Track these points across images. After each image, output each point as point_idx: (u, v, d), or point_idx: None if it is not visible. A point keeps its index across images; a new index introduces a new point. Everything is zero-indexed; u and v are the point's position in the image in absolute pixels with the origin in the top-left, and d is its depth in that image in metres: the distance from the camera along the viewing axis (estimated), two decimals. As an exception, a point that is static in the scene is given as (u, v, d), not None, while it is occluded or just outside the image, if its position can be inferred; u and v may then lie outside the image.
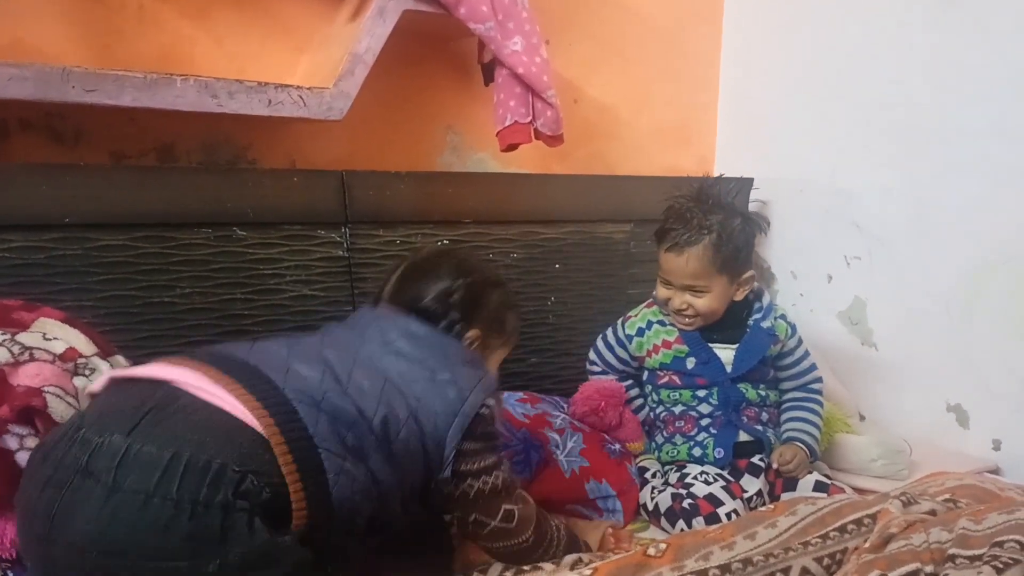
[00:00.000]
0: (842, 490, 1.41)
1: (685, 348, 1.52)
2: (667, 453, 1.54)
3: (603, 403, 1.52)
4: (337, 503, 0.88)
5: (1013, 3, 1.56)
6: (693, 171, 2.20)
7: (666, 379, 1.55)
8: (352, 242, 1.56)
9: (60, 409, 1.07)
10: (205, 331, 1.45)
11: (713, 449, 1.48)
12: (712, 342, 1.52)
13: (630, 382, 1.64)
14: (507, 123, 1.62)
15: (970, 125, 1.65)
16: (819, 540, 1.03)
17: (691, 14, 2.16)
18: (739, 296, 1.52)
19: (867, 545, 1.01)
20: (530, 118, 1.62)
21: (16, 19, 1.37)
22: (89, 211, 1.33)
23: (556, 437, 1.44)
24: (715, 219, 1.44)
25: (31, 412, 1.05)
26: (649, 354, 1.56)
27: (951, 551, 0.95)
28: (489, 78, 1.68)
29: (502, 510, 1.06)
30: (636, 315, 1.60)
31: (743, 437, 1.50)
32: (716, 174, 2.21)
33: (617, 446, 1.52)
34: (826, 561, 1.00)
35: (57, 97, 1.20)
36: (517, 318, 1.23)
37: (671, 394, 1.55)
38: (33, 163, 1.38)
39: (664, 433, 1.56)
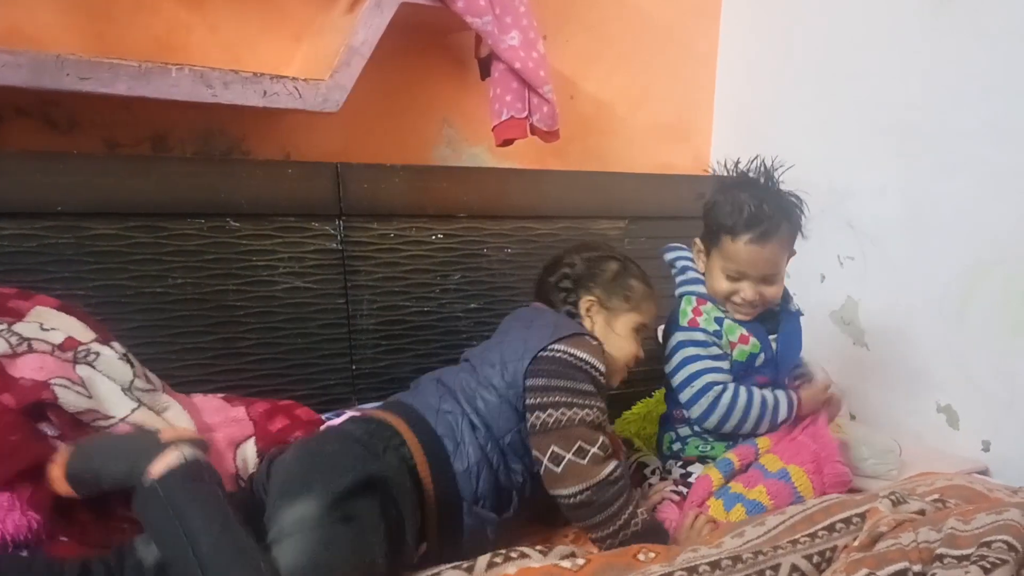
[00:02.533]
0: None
1: (757, 343, 1.40)
2: (695, 447, 1.44)
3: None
4: (458, 470, 1.14)
5: (1009, 4, 1.56)
6: (689, 168, 2.21)
7: None
8: (346, 235, 1.56)
9: (71, 399, 1.07)
10: (196, 322, 1.44)
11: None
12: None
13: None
14: (503, 118, 1.62)
15: (964, 126, 1.65)
16: (807, 539, 1.03)
17: (689, 10, 2.16)
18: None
19: (856, 544, 1.01)
20: (526, 113, 1.62)
21: (11, 6, 1.37)
22: (82, 200, 1.32)
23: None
24: (780, 203, 1.36)
25: (43, 407, 1.05)
26: (732, 345, 1.41)
27: (939, 550, 0.96)
28: (486, 72, 1.67)
29: (550, 450, 1.14)
30: (700, 315, 1.41)
31: None
32: (712, 172, 2.21)
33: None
34: (816, 559, 1.00)
35: (51, 85, 1.19)
36: (644, 285, 1.36)
37: None
38: (26, 151, 1.37)
39: (694, 428, 1.44)
